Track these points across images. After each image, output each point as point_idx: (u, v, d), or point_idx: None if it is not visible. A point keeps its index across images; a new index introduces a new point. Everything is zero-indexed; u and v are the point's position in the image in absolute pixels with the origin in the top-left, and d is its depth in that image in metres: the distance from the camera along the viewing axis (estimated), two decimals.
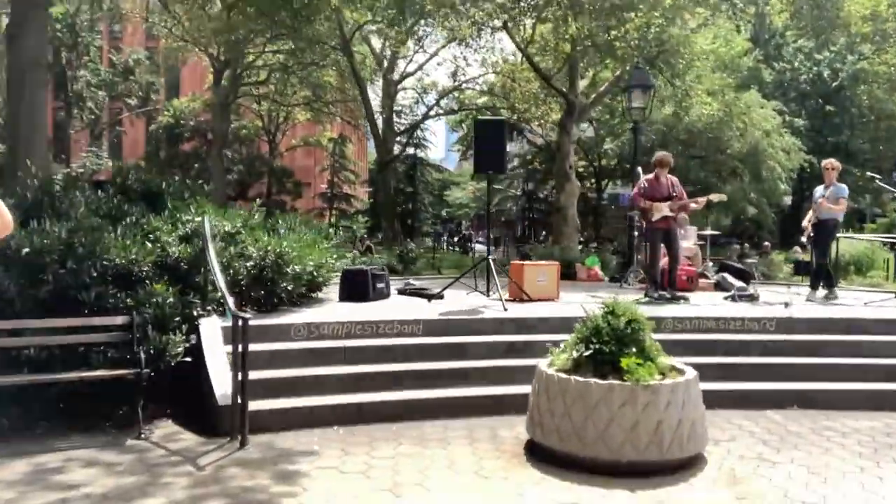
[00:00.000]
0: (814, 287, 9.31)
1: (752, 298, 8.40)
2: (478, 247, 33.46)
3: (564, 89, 18.45)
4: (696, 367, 6.10)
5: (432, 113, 32.78)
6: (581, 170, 37.70)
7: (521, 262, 8.30)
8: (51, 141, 35.71)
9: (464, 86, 31.37)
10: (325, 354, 5.78)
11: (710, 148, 24.18)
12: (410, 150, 37.10)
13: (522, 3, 17.29)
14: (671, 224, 8.56)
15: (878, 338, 6.84)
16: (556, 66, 19.27)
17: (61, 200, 6.26)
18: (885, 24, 28.26)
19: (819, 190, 9.29)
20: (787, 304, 7.06)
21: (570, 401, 4.39)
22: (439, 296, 7.96)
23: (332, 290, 8.02)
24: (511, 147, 40.58)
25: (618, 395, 4.27)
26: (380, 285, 7.94)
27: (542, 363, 4.74)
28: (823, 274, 9.29)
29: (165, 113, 43.44)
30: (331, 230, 8.57)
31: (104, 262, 5.47)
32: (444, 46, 28.09)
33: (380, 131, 29.32)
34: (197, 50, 38.13)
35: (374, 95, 31.59)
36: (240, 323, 4.71)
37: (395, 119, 33.71)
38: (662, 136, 24.78)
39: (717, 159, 24.12)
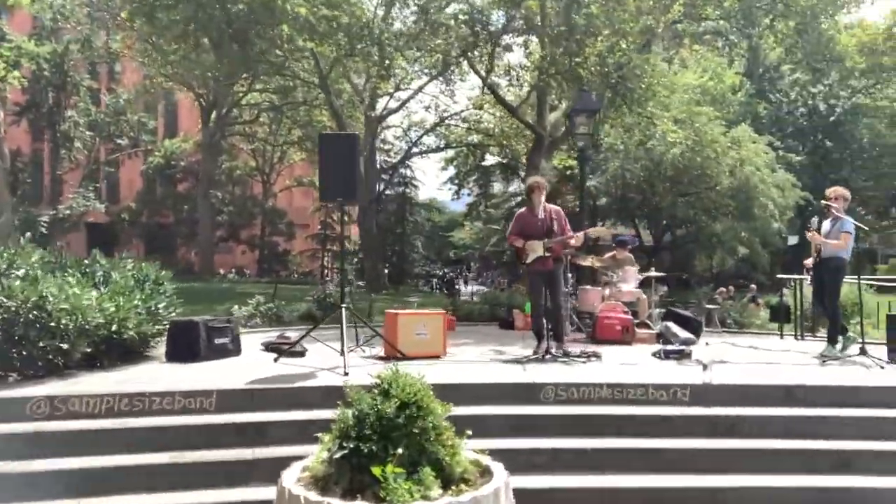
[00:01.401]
0: (831, 341, 7.77)
1: (682, 356, 6.93)
2: (473, 288, 32.17)
3: (531, 121, 17.31)
4: (574, 453, 4.75)
5: (416, 150, 31.79)
6: (573, 206, 36.52)
7: (397, 311, 6.92)
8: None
9: (450, 123, 30.37)
10: (65, 441, 4.42)
11: (699, 184, 22.78)
12: (400, 190, 36.06)
13: (482, 32, 16.23)
14: (551, 265, 7.18)
15: (827, 412, 5.35)
16: (522, 98, 18.19)
17: None
18: (883, 58, 27.13)
19: (826, 224, 7.91)
20: (704, 366, 5.62)
21: None
22: (299, 352, 6.59)
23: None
24: (512, 187, 39.56)
25: None
26: (220, 340, 6.60)
27: (289, 472, 3.31)
28: (830, 323, 7.85)
29: (157, 153, 43.00)
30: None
31: None
32: (427, 83, 27.21)
33: (361, 170, 28.33)
34: (184, 90, 37.95)
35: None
36: None
37: (381, 157, 32.79)
38: (648, 172, 23.44)
39: (706, 196, 22.67)
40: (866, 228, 8.22)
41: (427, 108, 29.45)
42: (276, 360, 6.31)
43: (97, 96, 41.31)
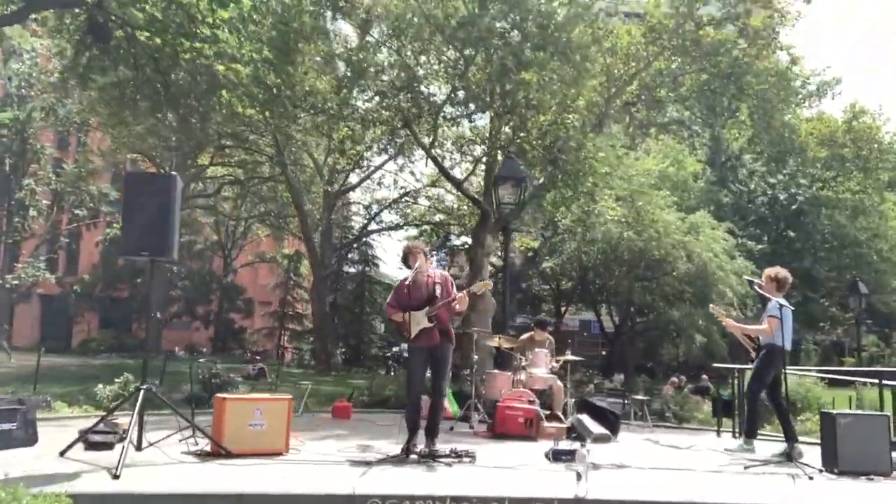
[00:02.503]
0: (788, 437, 6.73)
1: (575, 458, 5.78)
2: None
3: (477, 196, 16.65)
4: None
5: (375, 227, 31.07)
6: (541, 292, 35.60)
7: (228, 396, 5.72)
8: None
9: (408, 200, 29.82)
10: None
11: (657, 270, 22.03)
12: (360, 267, 35.11)
13: (424, 103, 15.69)
14: (437, 339, 6.11)
15: None
16: (468, 172, 17.58)
17: None
18: (843, 150, 27.15)
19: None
20: (579, 475, 4.52)
21: None
22: (104, 443, 5.37)
23: None
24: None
25: None
26: (5, 426, 5.39)
27: None
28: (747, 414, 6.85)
29: (115, 225, 41.97)
30: None
31: None
32: (386, 162, 26.71)
33: (316, 245, 27.49)
34: (146, 160, 37.34)
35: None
36: None
37: (338, 233, 32.04)
38: (605, 255, 22.70)
39: (664, 282, 21.89)
40: (790, 308, 7.29)
41: (386, 186, 28.96)
42: (62, 453, 5.09)
43: (60, 165, 40.57)
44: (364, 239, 32.79)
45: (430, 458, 5.54)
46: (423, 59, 15.41)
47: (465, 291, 6.31)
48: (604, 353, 35.62)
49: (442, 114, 15.95)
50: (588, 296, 28.90)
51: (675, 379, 15.84)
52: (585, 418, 7.71)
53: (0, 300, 36.61)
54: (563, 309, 35.51)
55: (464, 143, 18.49)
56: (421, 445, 5.82)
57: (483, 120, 18.12)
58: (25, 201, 37.38)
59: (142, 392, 4.95)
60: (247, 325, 43.06)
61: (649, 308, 23.71)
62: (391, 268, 40.22)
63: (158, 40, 14.42)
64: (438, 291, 6.15)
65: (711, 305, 7.00)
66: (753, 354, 7.11)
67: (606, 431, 7.63)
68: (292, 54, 14.98)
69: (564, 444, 5.96)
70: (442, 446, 5.90)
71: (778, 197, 27.06)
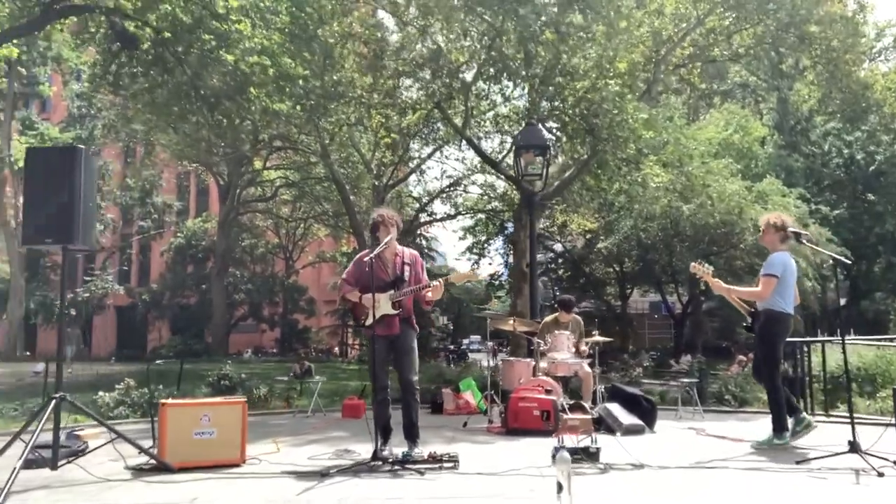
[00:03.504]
0: (775, 428, 5.76)
1: (586, 455, 4.82)
2: (476, 356, 30.30)
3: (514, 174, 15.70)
4: None
5: (426, 219, 30.38)
6: (605, 276, 34.16)
7: (166, 401, 4.92)
8: None
9: (456, 190, 29.01)
10: None
11: (723, 243, 20.52)
12: None
13: (454, 81, 14.86)
14: (397, 328, 5.25)
15: None
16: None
17: None
18: None
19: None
20: (559, 487, 3.63)
21: None
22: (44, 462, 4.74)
23: None
24: (539, 256, 37.51)
25: None
26: None
27: None
28: (779, 406, 5.77)
29: (179, 234, 42.88)
30: None
31: None
32: (434, 151, 25.97)
33: (366, 241, 27.04)
34: (204, 169, 37.88)
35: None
36: None
37: None
38: (665, 232, 21.33)
39: (730, 255, 20.36)
40: (841, 259, 6.07)
41: (435, 177, 28.17)
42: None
43: (125, 181, 41.67)
44: (418, 231, 32.10)
45: (399, 465, 4.69)
46: (451, 36, 14.57)
47: (440, 280, 5.33)
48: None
49: (473, 90, 15.07)
50: (652, 276, 27.41)
51: (742, 357, 14.44)
52: (615, 407, 6.76)
53: (75, 312, 37.90)
54: (628, 291, 34.04)
55: (500, 121, 17.53)
56: (402, 449, 4.98)
57: (522, 100, 17.15)
58: None
59: (53, 402, 4.30)
60: (311, 325, 43.27)
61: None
62: (448, 260, 39.53)
63: (176, 42, 14.14)
64: (407, 273, 5.29)
65: (693, 263, 5.87)
66: (750, 321, 6.02)
67: (639, 422, 6.65)
68: (311, 41, 14.38)
69: (575, 440, 4.98)
70: (423, 449, 5.05)
71: (855, 157, 24.92)
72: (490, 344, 9.38)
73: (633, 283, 32.26)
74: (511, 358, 8.60)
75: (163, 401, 4.97)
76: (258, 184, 36.68)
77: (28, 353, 32.15)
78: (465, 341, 45.35)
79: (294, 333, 41.58)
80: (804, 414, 5.96)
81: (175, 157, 32.39)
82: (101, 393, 8.32)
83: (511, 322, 7.80)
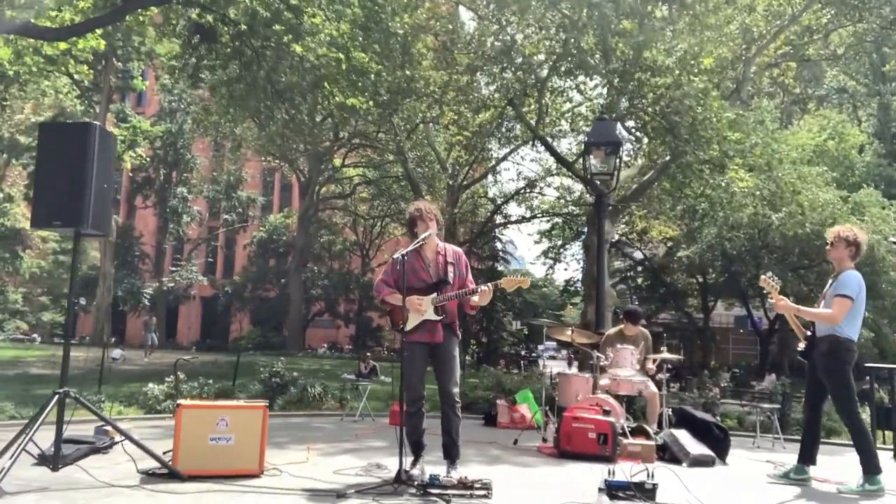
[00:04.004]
0: (805, 459, 5.22)
1: (640, 492, 4.22)
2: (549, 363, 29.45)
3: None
4: None
5: (501, 221, 29.88)
6: (687, 287, 32.71)
7: (182, 402, 4.52)
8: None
9: (533, 193, 28.39)
10: None
11: (815, 256, 19.12)
12: (489, 263, 33.98)
13: (527, 77, 14.33)
14: (441, 336, 4.67)
15: None
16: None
17: None
18: None
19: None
20: None
21: None
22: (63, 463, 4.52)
23: None
24: (616, 263, 36.37)
25: None
26: None
27: None
28: (867, 445, 5.01)
29: (261, 228, 43.92)
30: None
31: None
32: (512, 151, 25.45)
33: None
34: (285, 165, 38.57)
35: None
36: None
37: (465, 229, 31.11)
38: (752, 242, 20.09)
39: (822, 269, 18.94)
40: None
41: (511, 178, 27.59)
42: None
43: (213, 174, 43.01)
44: (493, 233, 31.61)
45: (424, 490, 4.19)
46: (528, 30, 14.04)
47: (490, 284, 4.74)
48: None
49: (549, 85, 14.46)
50: (737, 288, 25.94)
51: None
52: (683, 434, 6.07)
53: (157, 300, 39.29)
54: (711, 304, 32.49)
55: (576, 120, 16.83)
56: (441, 470, 4.46)
57: (599, 99, 16.43)
58: (178, 208, 39.86)
59: (56, 398, 4.05)
60: (384, 324, 43.44)
61: (807, 300, 20.70)
62: (524, 263, 38.77)
63: (253, 35, 14.17)
64: (451, 274, 4.75)
65: (763, 276, 5.09)
66: (802, 345, 5.24)
67: (709, 452, 5.94)
68: (387, 36, 14.14)
69: (629, 472, 4.36)
70: (462, 470, 4.52)
71: None
72: (565, 352, 8.79)
73: (717, 295, 30.72)
74: (568, 371, 7.97)
75: (180, 401, 4.66)
76: (337, 181, 37.12)
77: (115, 339, 33.43)
78: (541, 347, 44.60)
79: (368, 331, 41.83)
80: (810, 467, 5.29)
81: (257, 153, 33.03)
82: (150, 385, 8.22)
83: (569, 332, 7.17)
